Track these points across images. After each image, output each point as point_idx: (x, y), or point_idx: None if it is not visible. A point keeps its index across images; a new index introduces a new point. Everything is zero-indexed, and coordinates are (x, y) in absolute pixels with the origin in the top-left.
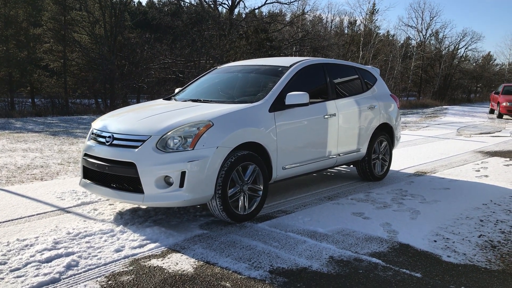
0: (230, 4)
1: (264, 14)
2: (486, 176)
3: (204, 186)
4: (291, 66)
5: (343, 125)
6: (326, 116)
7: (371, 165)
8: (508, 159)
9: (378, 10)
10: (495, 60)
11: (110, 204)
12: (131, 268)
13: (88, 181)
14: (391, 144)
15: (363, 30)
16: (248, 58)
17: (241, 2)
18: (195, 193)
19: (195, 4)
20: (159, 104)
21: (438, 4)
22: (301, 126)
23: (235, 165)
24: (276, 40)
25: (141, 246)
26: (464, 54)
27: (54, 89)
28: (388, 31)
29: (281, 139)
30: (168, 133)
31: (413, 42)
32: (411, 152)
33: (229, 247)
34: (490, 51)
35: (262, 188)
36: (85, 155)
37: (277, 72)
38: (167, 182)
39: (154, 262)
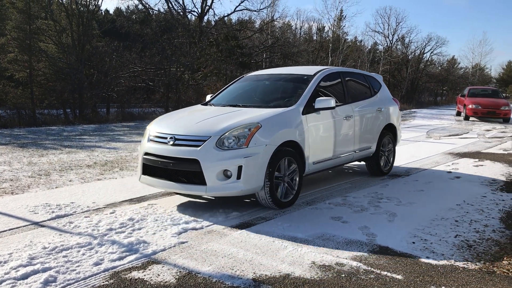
0: (199, 11)
1: (233, 21)
2: (458, 177)
3: (256, 178)
4: (315, 74)
5: (358, 125)
6: (345, 118)
7: (379, 161)
8: (477, 159)
9: (345, 17)
10: (459, 63)
11: (86, 217)
12: (111, 281)
13: (149, 177)
14: (395, 142)
15: (332, 36)
16: (219, 65)
17: (210, 9)
18: (249, 184)
19: (164, 12)
20: (203, 109)
21: (403, 10)
22: (327, 127)
23: (278, 160)
24: (246, 47)
25: (120, 258)
26: (429, 58)
27: (20, 99)
28: (356, 37)
29: (312, 138)
30: (226, 134)
31: (380, 47)
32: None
33: (210, 256)
34: (454, 55)
35: (298, 180)
36: (146, 154)
37: (303, 80)
38: (226, 175)
39: (135, 274)
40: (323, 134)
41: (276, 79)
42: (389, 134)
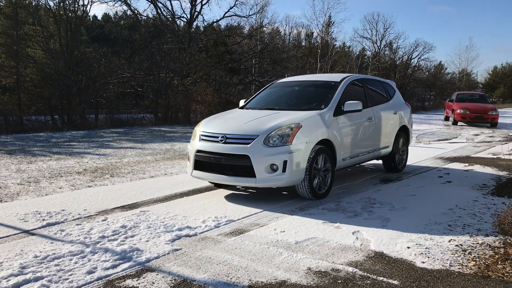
0: (188, 17)
1: (222, 27)
2: (449, 182)
3: (298, 171)
4: (341, 81)
5: (378, 127)
6: (368, 120)
7: (395, 159)
8: (467, 164)
9: (334, 23)
10: (446, 69)
11: (78, 224)
12: None
13: (200, 171)
14: (407, 142)
15: (320, 42)
16: (209, 71)
17: (199, 15)
18: (293, 177)
19: (152, 18)
20: (244, 112)
21: (391, 16)
22: (354, 127)
23: (315, 156)
24: (236, 53)
25: (114, 266)
26: (417, 64)
27: (7, 106)
28: (344, 43)
29: (342, 137)
30: (272, 133)
31: (369, 53)
32: (374, 160)
33: (205, 263)
34: (441, 61)
35: (330, 174)
36: (198, 151)
37: (331, 86)
38: (272, 168)
39: (129, 282)
40: (351, 134)
41: (305, 85)
42: (403, 135)
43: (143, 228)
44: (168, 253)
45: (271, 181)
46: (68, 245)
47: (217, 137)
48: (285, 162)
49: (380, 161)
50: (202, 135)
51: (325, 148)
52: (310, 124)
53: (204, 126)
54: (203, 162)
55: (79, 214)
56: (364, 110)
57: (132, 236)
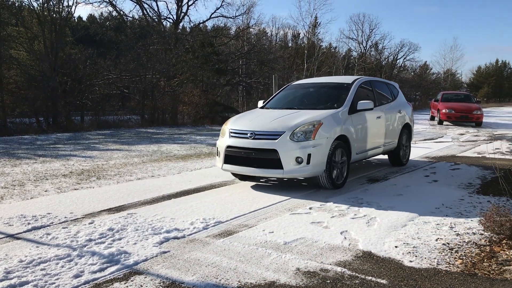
0: (174, 18)
1: (209, 28)
2: (436, 181)
3: (320, 163)
4: (353, 82)
5: (386, 124)
6: (377, 118)
7: (400, 154)
8: (453, 163)
9: (320, 23)
10: (431, 69)
11: (64, 228)
12: None
13: (230, 165)
14: (410, 139)
15: (307, 43)
16: (195, 72)
17: (186, 16)
18: (316, 168)
19: (138, 19)
20: (267, 112)
21: (376, 17)
22: (366, 125)
23: (334, 150)
24: (222, 54)
25: (101, 269)
26: (402, 64)
27: None
28: (330, 44)
29: (356, 133)
30: (296, 129)
31: (355, 54)
32: (361, 161)
33: (194, 265)
34: (426, 61)
35: (346, 166)
36: (228, 147)
37: (344, 87)
38: (297, 161)
39: (117, 286)
40: (363, 130)
41: (319, 86)
42: (406, 131)
43: (131, 230)
44: (156, 256)
45: (297, 172)
46: (54, 249)
47: (246, 134)
48: (309, 155)
49: (371, 158)
50: (231, 132)
51: (341, 143)
52: (330, 122)
53: (233, 124)
54: (233, 157)
55: (65, 217)
56: (374, 109)
57: (120, 239)
